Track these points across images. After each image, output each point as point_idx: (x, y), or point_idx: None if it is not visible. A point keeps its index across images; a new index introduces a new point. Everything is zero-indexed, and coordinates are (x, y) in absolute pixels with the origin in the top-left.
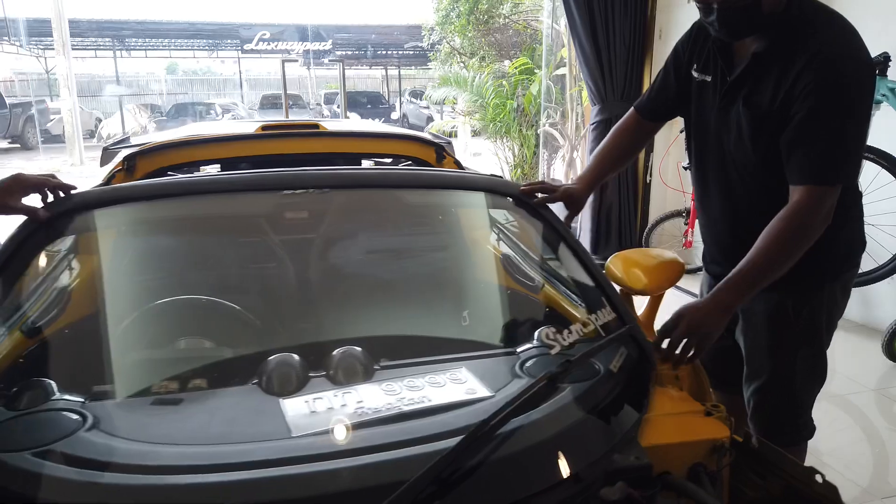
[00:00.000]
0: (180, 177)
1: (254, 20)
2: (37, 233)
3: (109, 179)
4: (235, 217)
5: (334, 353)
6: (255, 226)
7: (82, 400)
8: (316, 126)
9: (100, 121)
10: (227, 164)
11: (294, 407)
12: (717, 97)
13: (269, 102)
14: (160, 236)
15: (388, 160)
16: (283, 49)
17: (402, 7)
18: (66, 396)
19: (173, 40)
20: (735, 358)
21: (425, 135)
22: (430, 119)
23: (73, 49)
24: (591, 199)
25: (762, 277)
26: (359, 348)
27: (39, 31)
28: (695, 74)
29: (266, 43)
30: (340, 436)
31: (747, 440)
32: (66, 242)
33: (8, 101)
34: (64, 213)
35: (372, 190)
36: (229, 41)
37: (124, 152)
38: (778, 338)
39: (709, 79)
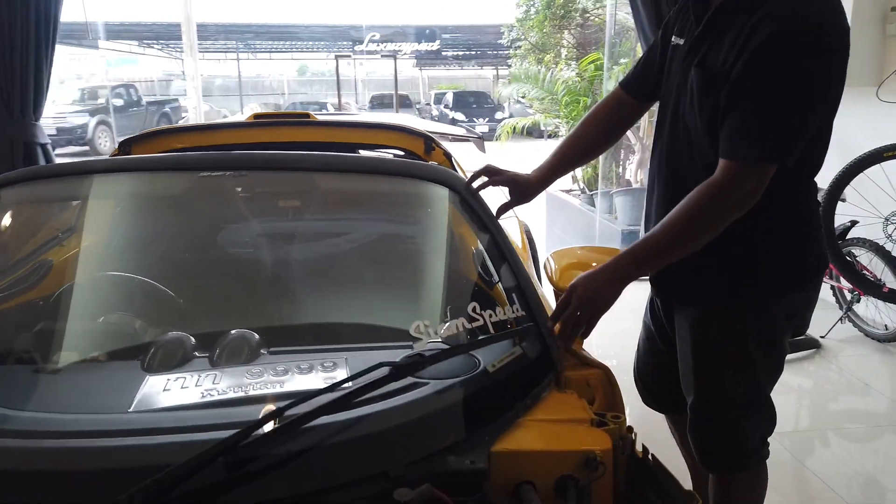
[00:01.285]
0: (117, 158)
1: (364, 22)
2: None
3: None
4: (167, 196)
5: (226, 336)
6: (184, 205)
7: None
8: (307, 116)
9: (225, 118)
10: (220, 150)
11: (154, 384)
12: (682, 59)
13: (378, 101)
14: (91, 211)
15: (382, 151)
16: (392, 50)
17: (507, 5)
18: None
19: (294, 42)
20: (675, 377)
21: (413, 126)
22: None
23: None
24: None
25: (664, 252)
26: (252, 333)
27: (178, 35)
28: (672, 40)
29: (376, 44)
30: (161, 415)
31: (643, 455)
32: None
33: (146, 99)
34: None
35: (311, 174)
36: (343, 43)
37: None
38: (701, 357)
39: (682, 42)
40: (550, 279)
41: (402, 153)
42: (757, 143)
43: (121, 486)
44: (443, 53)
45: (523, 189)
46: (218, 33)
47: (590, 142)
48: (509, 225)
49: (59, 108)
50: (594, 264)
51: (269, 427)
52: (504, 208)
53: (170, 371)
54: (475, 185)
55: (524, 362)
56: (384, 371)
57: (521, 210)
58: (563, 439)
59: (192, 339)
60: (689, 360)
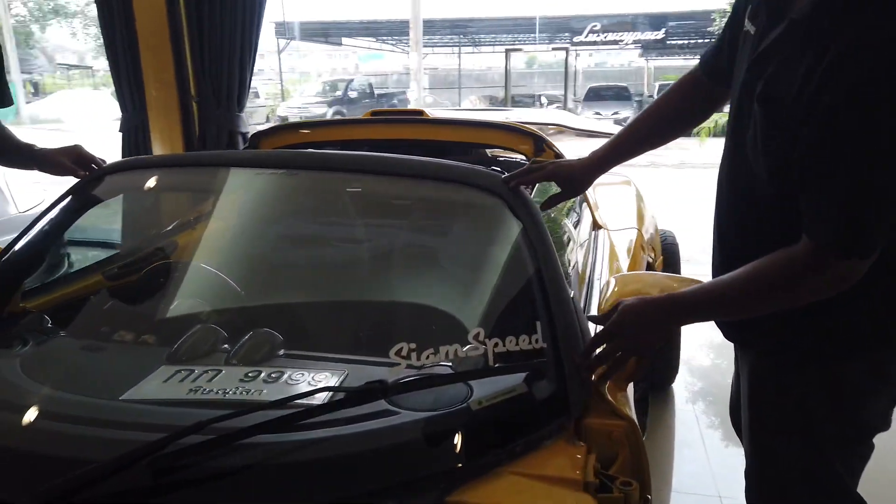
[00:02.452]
0: (202, 153)
1: (585, 12)
2: (79, 191)
3: None
4: (242, 191)
5: (249, 333)
6: (260, 202)
7: (45, 335)
8: (421, 113)
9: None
10: (339, 145)
11: (161, 374)
12: (746, 60)
13: (594, 94)
14: (175, 201)
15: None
16: (612, 40)
17: None
18: (46, 327)
19: (516, 35)
20: None
21: (524, 126)
22: None
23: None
24: None
25: (724, 311)
26: (273, 333)
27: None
28: (745, 24)
29: (596, 35)
30: (135, 408)
31: None
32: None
33: (377, 91)
34: (99, 176)
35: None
36: (563, 34)
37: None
38: (754, 413)
39: (752, 30)
40: (599, 306)
41: (515, 154)
42: (843, 234)
43: (43, 474)
44: (668, 42)
45: (569, 180)
46: (445, 28)
47: (654, 126)
48: (620, 238)
49: (304, 100)
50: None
51: (193, 439)
52: (553, 201)
53: (187, 363)
54: (511, 184)
55: (524, 403)
56: (326, 396)
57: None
58: (533, 501)
59: (222, 333)
60: (745, 412)
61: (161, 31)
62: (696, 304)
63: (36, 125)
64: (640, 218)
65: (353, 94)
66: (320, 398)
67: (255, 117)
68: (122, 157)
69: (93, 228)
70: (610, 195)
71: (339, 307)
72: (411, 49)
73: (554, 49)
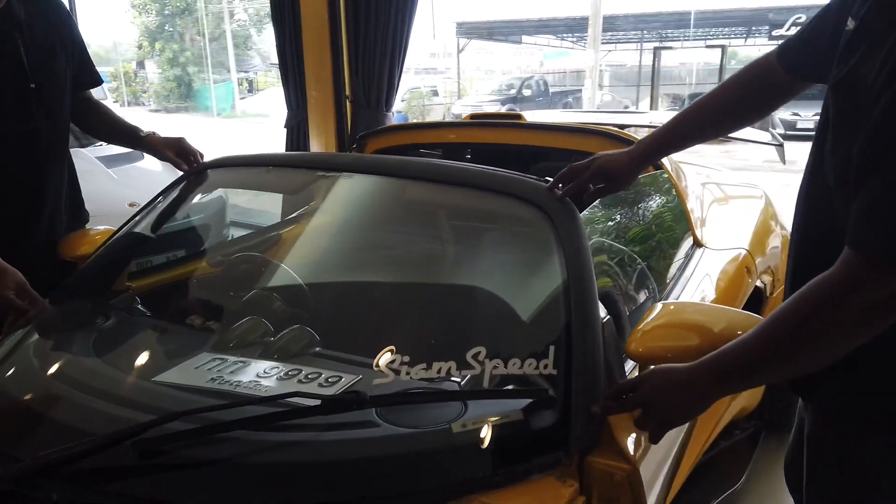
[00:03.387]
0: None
1: (787, 3)
2: (182, 183)
3: None
4: (313, 194)
5: (286, 329)
6: (330, 207)
7: (129, 314)
8: (518, 117)
9: (627, 107)
10: (442, 148)
11: (198, 360)
12: (838, 58)
13: None
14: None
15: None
16: None
17: None
18: (133, 306)
19: (707, 30)
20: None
21: (620, 132)
22: None
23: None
24: None
25: (753, 368)
26: (309, 331)
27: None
28: (848, 22)
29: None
30: (158, 390)
31: None
32: (198, 192)
33: (554, 89)
34: (201, 170)
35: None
36: (761, 28)
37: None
38: (811, 479)
39: (852, 25)
40: (656, 339)
41: None
42: (891, 238)
43: (45, 436)
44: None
45: (615, 173)
46: (628, 24)
47: (714, 113)
48: (720, 259)
49: (479, 98)
50: (694, 343)
51: (173, 427)
52: (594, 196)
53: (226, 352)
54: (559, 194)
55: (517, 431)
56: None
57: None
58: None
59: (268, 326)
60: (805, 483)
61: (322, 31)
62: (722, 375)
63: (246, 118)
64: (758, 237)
65: (527, 92)
66: (303, 401)
67: (433, 114)
68: (286, 151)
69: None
70: (726, 211)
71: (366, 311)
72: (588, 45)
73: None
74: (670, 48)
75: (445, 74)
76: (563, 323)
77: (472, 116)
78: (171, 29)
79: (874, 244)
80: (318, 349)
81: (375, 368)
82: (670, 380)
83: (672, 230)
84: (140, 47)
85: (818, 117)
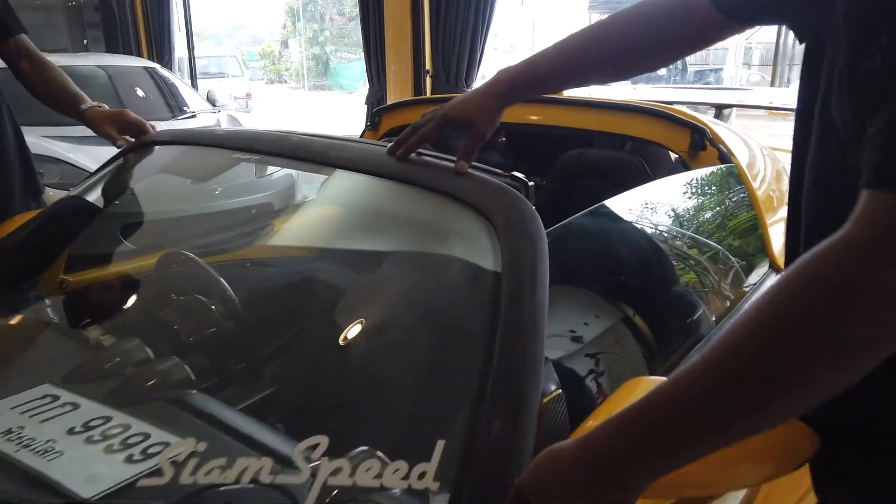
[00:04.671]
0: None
1: None
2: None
3: (361, 135)
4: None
5: (163, 361)
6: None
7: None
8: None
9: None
10: None
11: (28, 395)
12: None
13: None
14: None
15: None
16: None
17: None
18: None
19: None
20: None
21: (681, 113)
22: None
23: None
24: None
25: (700, 422)
26: (186, 368)
27: None
28: None
29: None
30: None
31: None
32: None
33: (692, 68)
34: (138, 147)
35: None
36: None
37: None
38: None
39: None
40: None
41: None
42: None
43: None
44: None
45: (465, 115)
46: None
47: (613, 47)
48: None
49: None
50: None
51: None
52: (465, 154)
53: (77, 382)
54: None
55: None
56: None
57: None
58: None
59: (148, 353)
60: None
61: (403, 2)
62: (658, 431)
63: None
64: None
65: (662, 71)
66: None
67: None
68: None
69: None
70: None
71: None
72: None
73: None
74: None
75: None
76: (470, 401)
77: None
78: (313, 9)
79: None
80: (191, 392)
81: (165, 463)
82: (552, 469)
83: (737, 247)
84: (284, 27)
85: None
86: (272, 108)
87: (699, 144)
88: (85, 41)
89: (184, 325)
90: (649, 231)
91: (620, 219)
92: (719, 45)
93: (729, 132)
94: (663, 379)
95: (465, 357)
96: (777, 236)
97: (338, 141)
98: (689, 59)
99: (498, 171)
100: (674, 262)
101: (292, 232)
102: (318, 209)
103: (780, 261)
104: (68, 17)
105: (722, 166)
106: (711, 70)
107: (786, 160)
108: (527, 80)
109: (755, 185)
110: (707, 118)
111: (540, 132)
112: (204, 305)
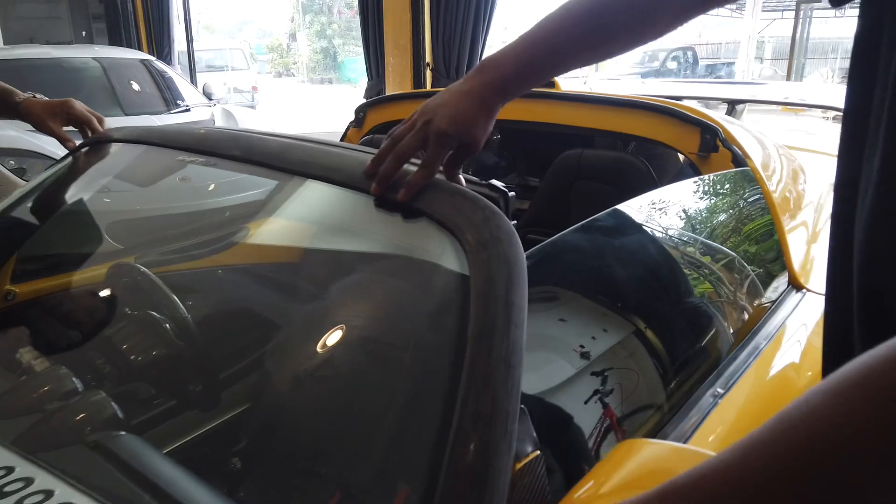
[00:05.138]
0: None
1: None
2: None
3: (346, 131)
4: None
5: (86, 396)
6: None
7: None
8: (552, 85)
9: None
10: None
11: None
12: None
13: None
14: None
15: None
16: None
17: None
18: None
19: None
20: None
21: (692, 111)
22: None
23: (782, 10)
24: None
25: None
26: (113, 405)
27: None
28: None
29: None
30: None
31: None
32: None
33: (704, 62)
34: (89, 146)
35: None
36: None
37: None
38: None
39: None
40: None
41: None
42: None
43: None
44: None
45: (457, 135)
46: None
47: (609, 20)
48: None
49: (619, 69)
50: None
51: None
52: (450, 167)
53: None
54: (371, 189)
55: None
56: None
57: None
58: None
59: (76, 385)
60: None
61: None
62: None
63: None
64: None
65: (671, 65)
66: None
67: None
68: None
69: None
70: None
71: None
72: (746, 14)
73: None
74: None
75: None
76: (423, 473)
77: None
78: (321, 2)
79: None
80: (116, 435)
81: None
82: None
83: (753, 253)
84: (292, 20)
85: None
86: (277, 101)
87: (710, 145)
88: (84, 33)
89: (131, 345)
90: (660, 237)
91: (631, 225)
92: (731, 38)
93: (743, 131)
94: (665, 443)
95: (420, 414)
96: (795, 245)
97: (295, 142)
98: (700, 53)
99: (473, 178)
100: (686, 272)
101: (239, 249)
102: (269, 222)
103: (801, 277)
104: (72, 8)
105: (737, 170)
106: (723, 64)
107: (797, 158)
108: (522, 71)
109: (771, 187)
110: (719, 115)
111: (538, 130)
112: (155, 323)
